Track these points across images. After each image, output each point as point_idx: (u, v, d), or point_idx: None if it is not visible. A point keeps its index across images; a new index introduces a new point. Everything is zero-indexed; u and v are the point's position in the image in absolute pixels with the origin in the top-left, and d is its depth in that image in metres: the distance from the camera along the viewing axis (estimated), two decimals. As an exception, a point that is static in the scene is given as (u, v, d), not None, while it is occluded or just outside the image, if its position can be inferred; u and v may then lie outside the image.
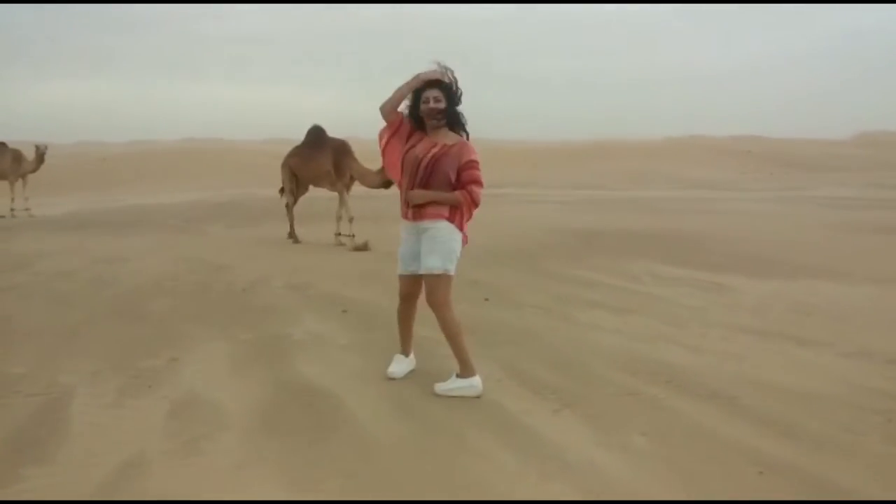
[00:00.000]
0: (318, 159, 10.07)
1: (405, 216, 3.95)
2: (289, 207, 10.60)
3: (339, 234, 10.00)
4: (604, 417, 3.49)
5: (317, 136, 10.28)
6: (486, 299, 6.44)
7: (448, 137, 3.87)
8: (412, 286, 4.04)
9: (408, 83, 3.80)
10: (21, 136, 16.36)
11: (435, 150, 3.82)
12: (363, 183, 9.85)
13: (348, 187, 10.15)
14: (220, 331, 5.23)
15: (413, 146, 3.88)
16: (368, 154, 9.59)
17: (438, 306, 3.87)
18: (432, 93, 3.80)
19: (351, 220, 9.91)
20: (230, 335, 5.10)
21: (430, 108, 3.80)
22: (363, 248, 9.44)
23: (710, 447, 3.15)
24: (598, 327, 5.43)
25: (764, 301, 6.37)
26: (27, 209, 14.75)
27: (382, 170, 8.86)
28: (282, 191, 10.88)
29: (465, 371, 3.89)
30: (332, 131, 10.42)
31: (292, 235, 10.42)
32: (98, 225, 12.83)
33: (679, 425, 3.39)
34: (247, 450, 3.12)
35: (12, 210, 14.59)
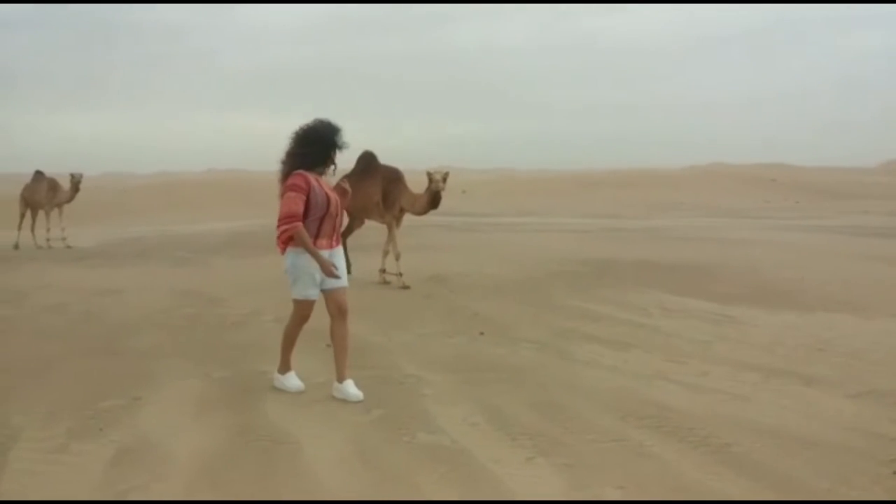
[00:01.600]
0: (366, 189, 9.03)
1: (329, 246, 4.40)
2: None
3: (384, 271, 9.04)
4: (580, 467, 3.21)
5: (367, 162, 9.29)
6: (482, 333, 6.19)
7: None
8: (335, 300, 4.47)
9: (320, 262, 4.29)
10: (46, 168, 15.74)
11: (335, 192, 4.46)
12: (413, 211, 8.97)
13: (398, 220, 9.16)
14: (195, 367, 5.03)
15: (323, 190, 4.32)
16: (415, 181, 9.12)
17: (347, 313, 4.51)
18: None
19: (398, 256, 8.89)
20: (205, 372, 4.90)
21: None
22: (407, 287, 8.63)
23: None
24: (595, 364, 5.15)
25: (775, 335, 6.04)
26: (64, 239, 14.21)
27: (429, 188, 8.48)
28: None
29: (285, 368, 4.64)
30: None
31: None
32: (102, 257, 12.76)
33: (661, 477, 3.10)
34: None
35: (48, 240, 14.09)
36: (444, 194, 8.63)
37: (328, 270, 4.26)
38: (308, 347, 5.67)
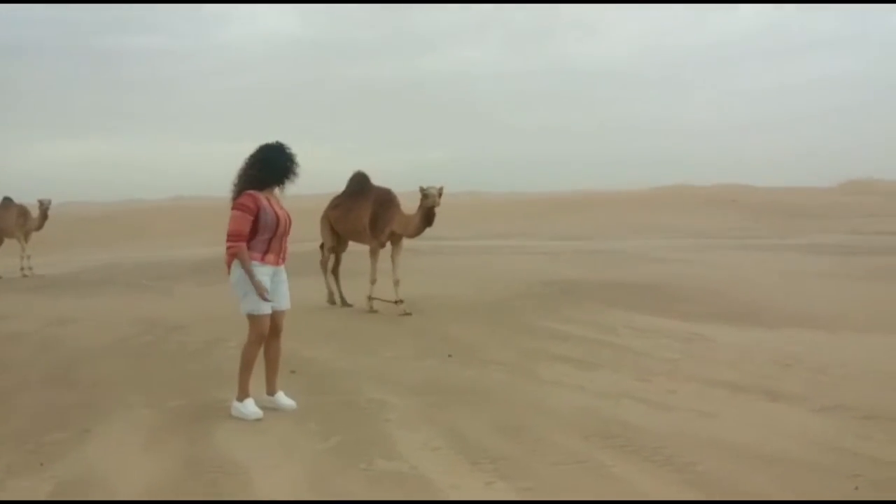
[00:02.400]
0: (357, 211, 8.61)
1: (276, 262, 4.46)
2: (323, 265, 9.15)
3: (399, 302, 8.32)
4: (540, 490, 3.12)
5: (359, 184, 8.81)
6: (450, 356, 6.09)
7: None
8: (274, 321, 4.49)
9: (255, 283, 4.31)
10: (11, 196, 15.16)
11: (284, 209, 4.50)
12: (407, 233, 8.33)
13: (397, 243, 8.52)
14: (149, 397, 4.85)
15: (273, 210, 4.37)
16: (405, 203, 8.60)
17: (282, 332, 4.62)
18: None
19: (373, 282, 8.45)
20: (158, 402, 4.73)
21: None
22: (375, 311, 8.45)
23: (655, 525, 2.77)
24: (561, 384, 5.08)
25: (742, 352, 6.03)
26: (30, 268, 13.64)
27: (421, 205, 7.91)
28: (322, 246, 9.45)
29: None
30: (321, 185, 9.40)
31: (331, 298, 9.02)
32: (63, 286, 12.41)
33: (621, 497, 3.02)
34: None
35: (22, 269, 13.53)
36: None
37: (260, 292, 4.29)
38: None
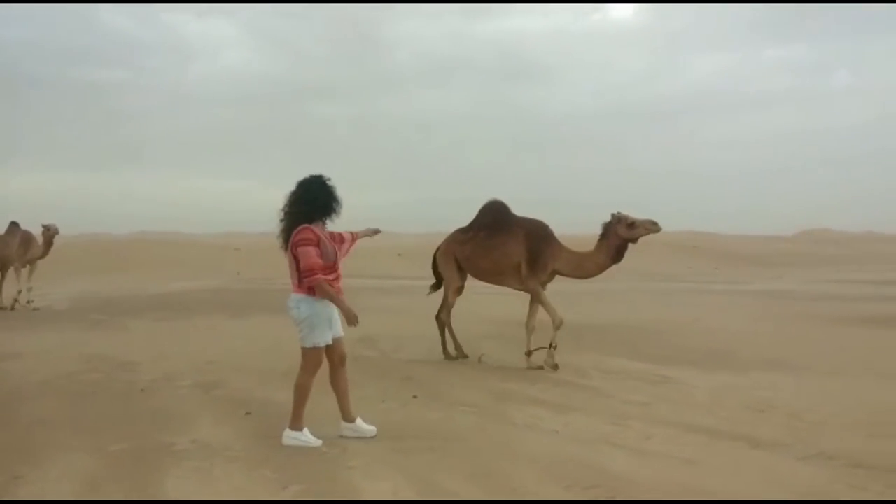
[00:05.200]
0: (504, 247, 7.37)
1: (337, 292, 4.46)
2: (447, 315, 7.91)
3: (530, 352, 7.38)
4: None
5: (500, 214, 7.57)
6: (415, 397, 5.82)
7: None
8: (338, 350, 4.59)
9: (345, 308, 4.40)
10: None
11: (334, 242, 4.53)
12: (582, 273, 7.32)
13: (544, 285, 7.47)
14: (90, 440, 4.45)
15: (329, 242, 4.44)
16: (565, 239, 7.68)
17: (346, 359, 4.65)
18: None
19: (559, 325, 7.26)
20: (99, 446, 4.33)
21: None
22: (555, 368, 7.13)
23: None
24: (535, 428, 4.85)
25: (715, 396, 5.90)
26: (30, 301, 12.83)
27: (602, 242, 7.03)
28: (435, 287, 8.26)
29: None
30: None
31: (458, 349, 7.85)
32: (8, 318, 11.78)
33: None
34: None
35: (15, 301, 12.68)
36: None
37: (351, 317, 4.35)
38: (225, 416, 5.18)
